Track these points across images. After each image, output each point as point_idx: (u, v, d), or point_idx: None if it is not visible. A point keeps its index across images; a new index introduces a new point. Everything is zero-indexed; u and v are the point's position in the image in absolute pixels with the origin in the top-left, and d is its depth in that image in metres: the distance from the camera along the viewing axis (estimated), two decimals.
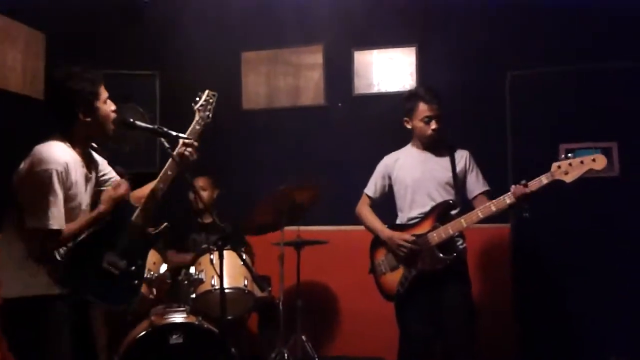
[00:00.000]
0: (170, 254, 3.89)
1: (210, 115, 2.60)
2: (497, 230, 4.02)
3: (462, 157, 3.14)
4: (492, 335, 3.73)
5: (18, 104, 3.91)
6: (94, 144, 2.48)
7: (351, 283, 4.31)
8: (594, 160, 2.68)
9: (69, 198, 2.23)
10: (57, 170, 2.16)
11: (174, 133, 2.45)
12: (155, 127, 2.53)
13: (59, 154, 2.21)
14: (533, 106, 4.03)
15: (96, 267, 2.27)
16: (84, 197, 2.35)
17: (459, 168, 3.10)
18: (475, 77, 4.18)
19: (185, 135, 2.47)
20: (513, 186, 2.78)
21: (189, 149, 2.46)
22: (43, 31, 4.15)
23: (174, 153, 2.42)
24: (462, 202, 3.13)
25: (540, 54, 4.10)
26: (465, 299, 3.01)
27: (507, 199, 2.78)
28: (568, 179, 2.70)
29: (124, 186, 2.40)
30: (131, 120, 2.52)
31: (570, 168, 2.70)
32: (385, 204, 3.34)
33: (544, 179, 2.74)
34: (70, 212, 2.27)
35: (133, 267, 2.39)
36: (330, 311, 4.49)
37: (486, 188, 3.10)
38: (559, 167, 2.72)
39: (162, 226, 2.52)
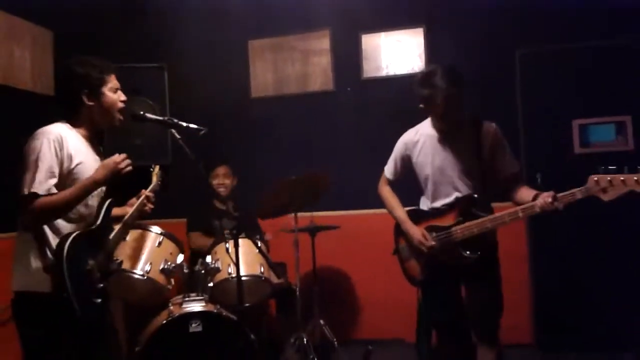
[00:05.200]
0: (194, 236, 3.93)
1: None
2: None
3: (489, 134, 2.81)
4: (508, 319, 3.74)
5: (27, 101, 3.94)
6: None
7: (366, 266, 4.34)
8: (637, 180, 2.33)
9: (72, 172, 2.23)
10: (48, 139, 2.18)
11: (184, 124, 2.48)
12: (166, 118, 2.57)
13: (52, 127, 2.25)
14: (543, 83, 4.00)
15: (82, 267, 2.21)
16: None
17: (485, 149, 2.79)
18: (484, 56, 4.15)
19: (195, 126, 2.48)
20: (540, 199, 2.51)
21: (150, 205, 2.62)
22: (50, 28, 4.17)
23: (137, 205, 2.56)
24: (491, 183, 2.84)
25: (548, 31, 4.05)
26: (492, 291, 2.79)
27: (538, 207, 2.53)
28: (606, 197, 2.40)
29: (126, 163, 2.35)
30: (141, 112, 2.54)
31: (609, 185, 2.39)
32: (405, 185, 3.16)
33: (578, 194, 2.45)
34: None
35: (101, 285, 2.31)
36: (347, 295, 4.52)
37: (515, 169, 2.81)
38: (596, 181, 2.40)
39: (118, 261, 2.52)
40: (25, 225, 2.23)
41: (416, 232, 2.85)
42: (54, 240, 2.19)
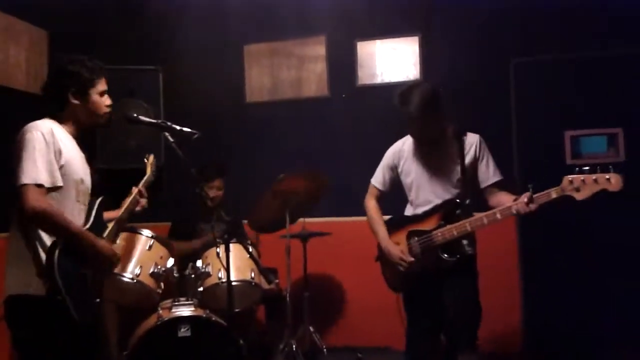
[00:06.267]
0: (177, 244, 3.92)
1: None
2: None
3: (472, 144, 2.91)
4: (498, 328, 3.74)
5: (22, 101, 3.92)
6: None
7: (357, 274, 4.32)
8: (608, 179, 2.47)
9: (64, 168, 2.22)
10: (41, 132, 2.17)
11: (178, 127, 2.48)
12: (159, 121, 2.57)
13: (42, 122, 2.24)
14: (537, 94, 4.02)
15: (74, 270, 2.19)
16: (83, 174, 2.34)
17: (468, 158, 2.89)
18: (479, 65, 4.17)
19: (189, 130, 2.49)
20: (516, 203, 2.62)
21: (143, 200, 2.67)
22: (46, 29, 4.16)
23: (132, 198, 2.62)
24: (474, 192, 2.94)
25: (543, 41, 4.08)
26: (468, 296, 2.85)
27: (514, 209, 2.64)
28: (579, 196, 2.51)
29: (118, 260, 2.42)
30: (135, 115, 2.55)
31: (582, 185, 2.50)
32: (394, 194, 3.22)
33: (553, 194, 2.56)
34: (73, 185, 2.27)
35: (98, 286, 2.34)
36: (337, 302, 4.51)
37: (497, 178, 2.91)
38: (570, 181, 2.52)
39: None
40: (21, 224, 2.19)
41: (395, 251, 2.93)
42: (48, 241, 2.17)
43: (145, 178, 2.79)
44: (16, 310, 2.18)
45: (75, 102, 2.32)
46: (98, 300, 2.32)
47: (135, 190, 2.67)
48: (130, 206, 2.62)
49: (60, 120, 2.32)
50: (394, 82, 4.44)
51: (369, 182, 3.28)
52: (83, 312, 2.17)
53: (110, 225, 2.47)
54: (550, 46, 4.05)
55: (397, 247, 2.94)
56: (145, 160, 2.91)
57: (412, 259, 2.88)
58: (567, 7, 4.00)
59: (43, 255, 2.14)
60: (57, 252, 2.12)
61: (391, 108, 4.02)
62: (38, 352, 2.17)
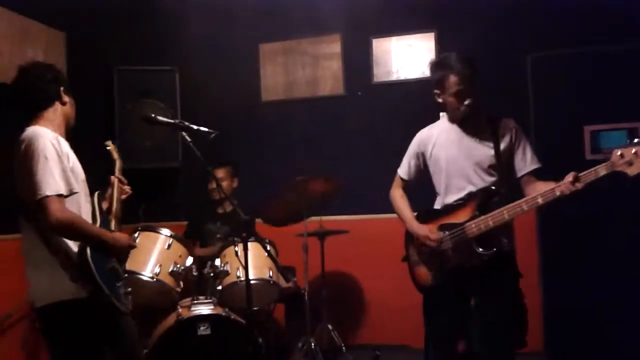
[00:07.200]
0: (195, 248, 3.95)
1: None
2: None
3: (507, 129, 2.67)
4: None
5: None
6: None
7: (375, 271, 4.32)
8: None
9: (73, 171, 2.24)
10: (49, 139, 2.18)
11: (195, 127, 2.49)
12: (177, 121, 2.58)
13: (41, 129, 2.24)
14: (555, 89, 3.97)
15: (106, 267, 2.27)
16: (84, 175, 2.36)
17: (503, 144, 2.65)
18: (496, 61, 4.12)
19: (206, 129, 2.50)
20: (559, 185, 2.37)
21: (126, 187, 2.67)
22: (63, 30, 4.20)
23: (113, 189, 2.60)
24: (509, 181, 2.72)
25: (561, 36, 4.03)
26: (508, 301, 2.60)
27: (558, 190, 2.36)
28: (632, 171, 2.21)
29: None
30: (154, 115, 2.56)
31: (635, 157, 2.19)
32: (421, 185, 3.04)
33: (602, 170, 2.27)
34: (83, 186, 2.30)
35: (126, 275, 2.44)
36: (355, 300, 4.51)
37: (535, 166, 2.65)
38: (621, 155, 2.22)
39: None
40: (43, 233, 2.20)
41: (421, 228, 2.72)
42: (74, 246, 2.20)
43: (117, 165, 2.76)
44: (58, 318, 2.20)
45: (66, 99, 2.36)
46: (130, 289, 2.40)
47: (114, 179, 2.65)
48: (118, 196, 2.61)
49: (48, 125, 2.30)
50: (410, 79, 4.43)
51: (385, 179, 3.22)
52: (124, 303, 2.29)
53: (112, 223, 2.50)
54: (567, 40, 4.01)
55: (424, 226, 2.72)
56: (108, 148, 2.85)
57: (440, 234, 2.63)
58: (584, 0, 3.95)
59: (74, 259, 2.18)
60: (89, 254, 2.16)
61: (408, 105, 4.03)
62: (91, 352, 2.23)
